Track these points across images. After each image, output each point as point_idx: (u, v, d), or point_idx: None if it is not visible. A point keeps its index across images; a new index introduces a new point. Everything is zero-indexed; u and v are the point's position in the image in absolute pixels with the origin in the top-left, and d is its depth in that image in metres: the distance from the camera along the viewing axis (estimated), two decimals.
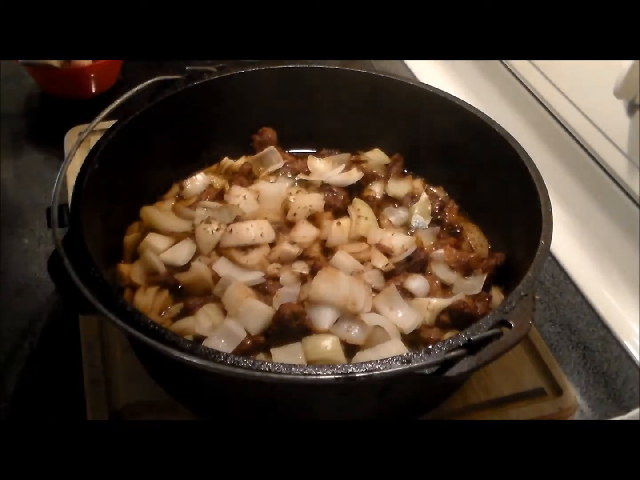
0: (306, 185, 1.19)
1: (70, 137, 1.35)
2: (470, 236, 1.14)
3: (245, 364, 0.74)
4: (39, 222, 1.29)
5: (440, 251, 1.06)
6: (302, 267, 1.02)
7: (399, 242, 1.06)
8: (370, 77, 1.19)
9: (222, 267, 1.01)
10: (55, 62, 1.47)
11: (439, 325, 0.98)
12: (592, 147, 1.21)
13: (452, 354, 0.74)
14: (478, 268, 1.04)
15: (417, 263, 1.05)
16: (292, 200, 1.13)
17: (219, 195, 1.15)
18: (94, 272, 0.82)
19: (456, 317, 0.97)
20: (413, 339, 0.96)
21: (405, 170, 1.25)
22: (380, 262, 1.04)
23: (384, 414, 0.92)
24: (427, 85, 1.18)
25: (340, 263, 1.02)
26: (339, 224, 1.08)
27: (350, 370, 0.73)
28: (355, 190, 1.19)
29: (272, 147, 1.22)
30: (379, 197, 1.19)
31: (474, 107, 1.12)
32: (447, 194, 1.21)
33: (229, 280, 0.98)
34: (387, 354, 0.77)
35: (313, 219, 1.11)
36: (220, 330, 0.91)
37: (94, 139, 1.03)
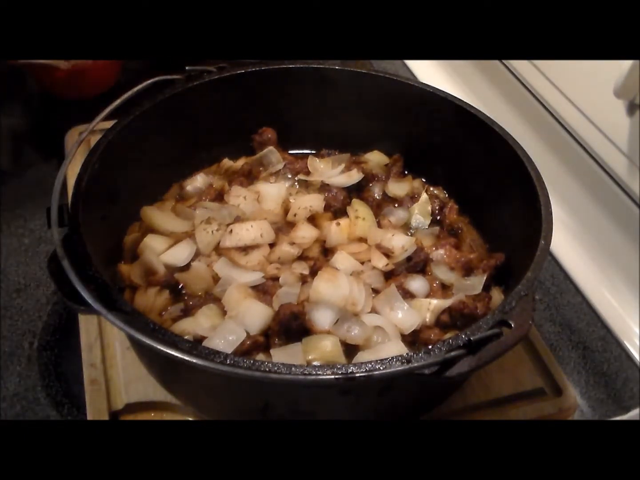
0: (306, 185, 1.19)
1: (70, 137, 1.35)
2: (470, 236, 1.14)
3: (245, 364, 0.74)
4: (39, 222, 1.29)
5: (440, 251, 1.06)
6: (302, 268, 1.02)
7: (399, 242, 1.06)
8: (370, 77, 1.19)
9: (222, 267, 1.01)
10: (55, 62, 1.47)
11: (439, 326, 0.98)
12: (592, 147, 1.21)
13: (452, 354, 0.74)
14: (478, 268, 1.04)
15: (417, 263, 1.05)
16: (292, 201, 1.13)
17: (219, 196, 1.15)
18: (93, 272, 0.82)
19: (456, 318, 0.97)
20: (413, 340, 0.96)
21: (406, 171, 1.25)
22: (380, 262, 1.04)
23: (384, 414, 0.92)
24: (427, 85, 1.18)
25: (340, 263, 1.02)
26: (338, 224, 1.08)
27: (350, 370, 0.73)
28: (355, 190, 1.18)
29: (271, 148, 1.22)
30: (378, 197, 1.19)
31: (474, 107, 1.12)
32: (446, 194, 1.21)
33: (229, 281, 0.98)
34: (387, 354, 0.77)
35: (313, 219, 1.11)
36: (220, 331, 0.91)
37: (94, 139, 1.03)
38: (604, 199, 1.25)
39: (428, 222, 1.15)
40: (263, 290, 0.99)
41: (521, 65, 1.39)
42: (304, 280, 1.00)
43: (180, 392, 0.94)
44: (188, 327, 0.93)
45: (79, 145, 0.97)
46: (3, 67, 1.55)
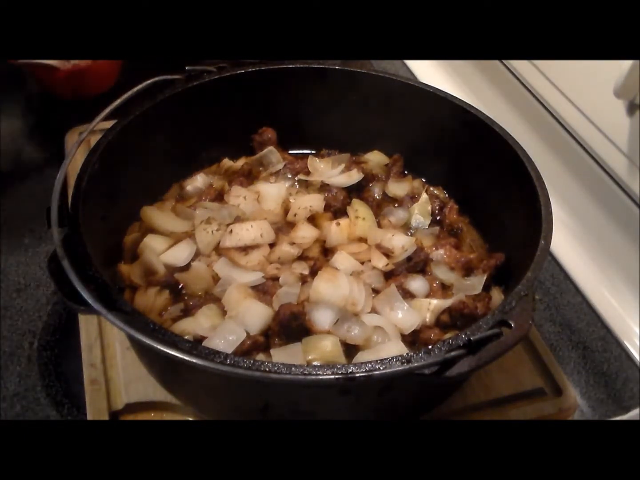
0: (306, 185, 1.19)
1: (70, 137, 1.35)
2: (470, 236, 1.14)
3: (245, 364, 0.74)
4: (39, 222, 1.28)
5: (440, 251, 1.06)
6: (302, 268, 1.02)
7: (399, 242, 1.06)
8: (370, 77, 1.19)
9: (222, 267, 1.01)
10: (55, 62, 1.47)
11: (439, 326, 0.98)
12: (592, 147, 1.21)
13: (452, 354, 0.74)
14: (478, 268, 1.04)
15: (417, 263, 1.05)
16: (292, 201, 1.13)
17: (219, 196, 1.15)
18: (93, 272, 0.82)
19: (456, 318, 0.97)
20: (413, 340, 0.96)
21: (406, 171, 1.25)
22: (380, 262, 1.04)
23: (384, 414, 0.92)
24: (427, 85, 1.18)
25: (340, 263, 1.02)
26: (338, 224, 1.08)
27: (350, 370, 0.73)
28: (355, 190, 1.18)
29: (271, 148, 1.22)
30: (378, 197, 1.19)
31: (474, 107, 1.12)
32: (446, 194, 1.21)
33: (229, 281, 0.98)
34: (387, 354, 0.77)
35: (313, 219, 1.11)
36: (220, 331, 0.91)
37: (94, 139, 1.03)
38: (604, 199, 1.25)
39: (428, 222, 1.15)
40: (263, 290, 0.99)
41: (521, 65, 1.39)
42: (304, 280, 1.00)
43: (180, 392, 0.94)
44: (188, 327, 0.93)
45: (79, 145, 0.97)
46: (3, 67, 1.55)
